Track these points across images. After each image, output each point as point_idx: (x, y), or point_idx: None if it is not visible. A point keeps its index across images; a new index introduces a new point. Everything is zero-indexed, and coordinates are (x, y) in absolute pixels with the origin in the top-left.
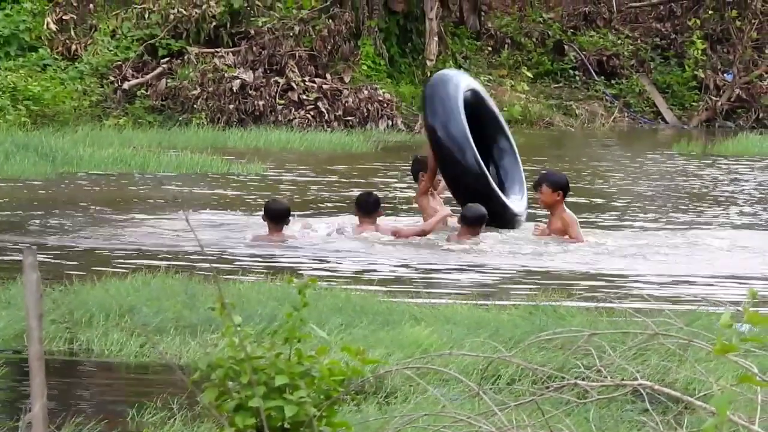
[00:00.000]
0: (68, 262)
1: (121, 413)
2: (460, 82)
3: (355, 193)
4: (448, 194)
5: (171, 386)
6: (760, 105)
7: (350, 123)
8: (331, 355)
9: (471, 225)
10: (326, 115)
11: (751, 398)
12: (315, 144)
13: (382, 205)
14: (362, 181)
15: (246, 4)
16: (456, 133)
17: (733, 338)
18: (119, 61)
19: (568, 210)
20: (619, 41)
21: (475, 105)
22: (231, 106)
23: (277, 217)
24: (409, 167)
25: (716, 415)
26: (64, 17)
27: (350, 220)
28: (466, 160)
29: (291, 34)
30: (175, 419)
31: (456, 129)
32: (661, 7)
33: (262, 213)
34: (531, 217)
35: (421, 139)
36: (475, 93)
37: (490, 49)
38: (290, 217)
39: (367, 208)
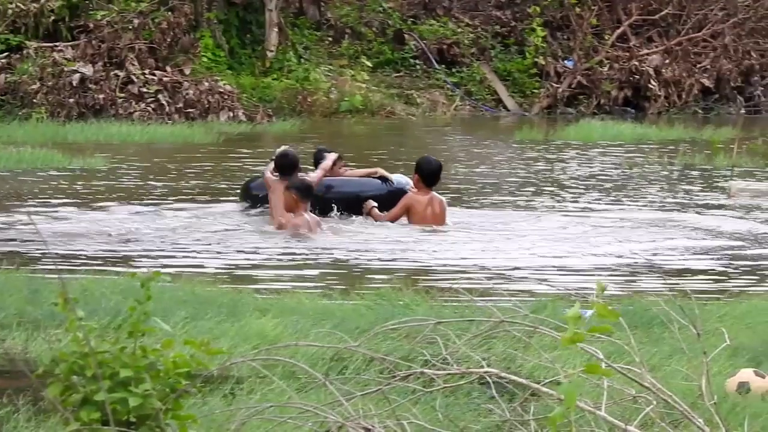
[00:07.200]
0: None
1: None
2: None
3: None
4: None
5: (15, 382)
6: (600, 91)
7: (191, 115)
8: (176, 348)
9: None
10: (167, 107)
11: (597, 384)
12: (156, 136)
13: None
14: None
15: None
16: None
17: (582, 327)
18: None
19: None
20: (459, 29)
21: None
22: (71, 100)
23: (286, 168)
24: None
25: (563, 401)
26: None
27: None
28: None
29: (130, 27)
30: (20, 414)
31: None
32: None
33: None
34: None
35: (262, 130)
36: None
37: (330, 39)
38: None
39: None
